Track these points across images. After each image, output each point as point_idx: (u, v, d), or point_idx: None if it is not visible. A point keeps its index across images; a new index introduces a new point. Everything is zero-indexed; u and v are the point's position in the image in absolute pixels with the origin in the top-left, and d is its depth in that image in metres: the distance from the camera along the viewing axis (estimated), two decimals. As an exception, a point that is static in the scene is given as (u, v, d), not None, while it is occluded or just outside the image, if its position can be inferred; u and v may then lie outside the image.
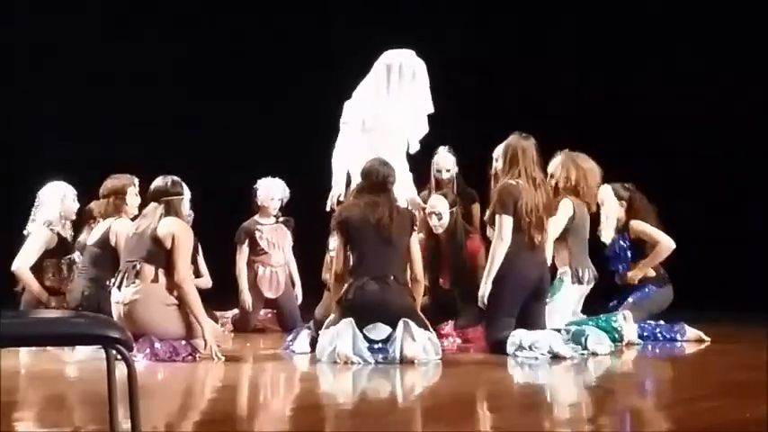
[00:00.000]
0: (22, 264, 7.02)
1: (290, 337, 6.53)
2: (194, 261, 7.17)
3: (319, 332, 6.08)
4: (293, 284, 8.18)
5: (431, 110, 7.05)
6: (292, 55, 11.33)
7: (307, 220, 8.05)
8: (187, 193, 6.25)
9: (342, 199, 6.84)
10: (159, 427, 3.99)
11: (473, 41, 10.99)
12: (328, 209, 6.85)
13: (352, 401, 4.88)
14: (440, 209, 7.08)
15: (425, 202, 7.20)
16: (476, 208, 7.70)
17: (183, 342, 5.88)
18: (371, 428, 4.07)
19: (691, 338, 7.24)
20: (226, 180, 10.11)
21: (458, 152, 7.76)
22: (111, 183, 6.93)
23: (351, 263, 6.08)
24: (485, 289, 6.27)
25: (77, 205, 7.29)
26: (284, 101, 11.34)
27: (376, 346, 5.91)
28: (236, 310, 8.02)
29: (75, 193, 7.29)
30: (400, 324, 5.82)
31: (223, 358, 5.86)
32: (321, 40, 11.32)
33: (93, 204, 7.23)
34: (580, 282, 6.86)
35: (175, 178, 6.16)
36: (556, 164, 6.94)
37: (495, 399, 4.93)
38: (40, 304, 6.93)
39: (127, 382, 2.94)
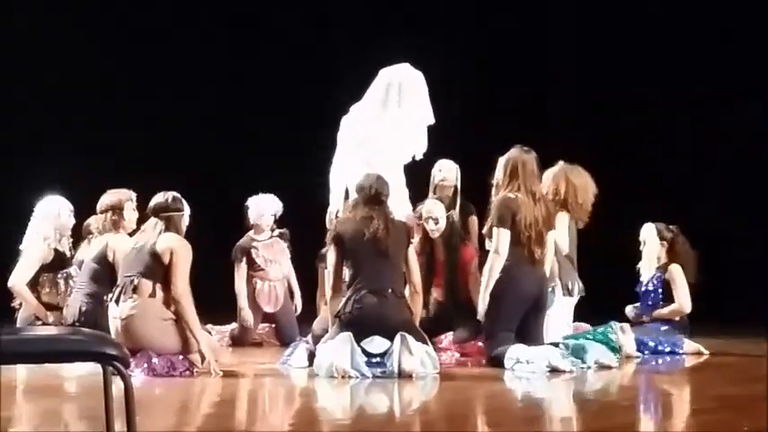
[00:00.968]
0: (19, 279, 7.01)
1: (287, 352, 6.51)
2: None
3: (317, 346, 6.07)
4: (292, 296, 8.17)
5: (431, 121, 7.05)
6: (292, 68, 11.35)
7: (305, 231, 8.03)
8: (187, 210, 6.25)
9: (340, 214, 6.85)
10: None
11: (474, 45, 11.01)
12: (328, 225, 6.84)
13: (349, 416, 4.86)
14: (436, 213, 7.10)
15: (420, 218, 7.17)
16: (473, 221, 7.67)
17: (181, 357, 5.87)
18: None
19: (690, 351, 7.24)
20: (225, 194, 10.11)
21: (457, 163, 7.74)
22: (108, 198, 6.93)
23: (347, 277, 6.08)
24: (483, 304, 6.26)
25: (73, 220, 7.28)
26: (283, 114, 11.35)
27: (374, 360, 5.90)
28: (234, 324, 8.01)
29: (72, 208, 7.28)
30: (398, 338, 5.81)
31: (221, 373, 5.85)
32: (320, 53, 11.34)
33: (90, 220, 7.22)
34: (570, 294, 6.88)
35: (176, 194, 6.17)
36: (548, 176, 6.95)
37: (494, 413, 4.91)
38: (37, 320, 6.92)
39: (124, 398, 2.93)
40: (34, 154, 10.55)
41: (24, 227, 7.21)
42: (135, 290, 5.93)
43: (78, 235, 7.35)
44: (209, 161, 11.15)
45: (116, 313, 5.95)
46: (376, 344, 5.97)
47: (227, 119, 11.40)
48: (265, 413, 5.14)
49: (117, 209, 6.87)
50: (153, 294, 5.94)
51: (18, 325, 6.93)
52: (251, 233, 8.06)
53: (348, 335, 5.83)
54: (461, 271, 7.14)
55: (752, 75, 10.21)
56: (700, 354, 7.21)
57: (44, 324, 6.83)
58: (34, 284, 7.03)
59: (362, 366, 5.76)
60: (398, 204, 6.68)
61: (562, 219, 6.84)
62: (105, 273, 6.67)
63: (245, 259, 7.95)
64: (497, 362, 6.13)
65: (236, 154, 11.18)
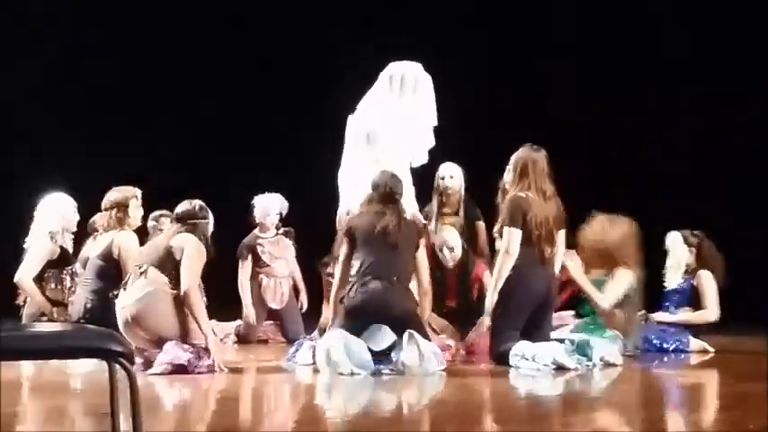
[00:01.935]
0: (25, 275, 7.02)
1: (292, 349, 6.51)
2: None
3: (317, 342, 6.09)
4: (297, 293, 8.18)
5: (435, 122, 7.03)
6: (295, 68, 11.35)
7: (311, 230, 8.03)
8: (211, 217, 6.27)
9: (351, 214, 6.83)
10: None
11: (474, 49, 11.01)
12: (338, 226, 6.79)
13: (354, 414, 4.86)
14: (452, 243, 7.10)
15: (426, 218, 7.16)
16: (480, 226, 7.61)
17: (186, 345, 5.83)
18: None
19: (695, 349, 7.24)
20: (226, 193, 10.11)
21: (461, 165, 7.72)
22: (113, 195, 6.94)
23: (355, 270, 6.08)
24: (491, 301, 6.26)
25: (77, 217, 7.29)
26: (286, 111, 11.35)
27: (380, 357, 5.90)
28: (239, 321, 8.02)
29: (75, 204, 7.30)
30: (405, 335, 5.83)
31: (226, 370, 5.85)
32: (322, 52, 11.33)
33: (96, 217, 7.23)
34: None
35: (201, 203, 6.21)
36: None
37: (499, 410, 4.91)
38: (43, 316, 6.93)
39: (129, 394, 2.93)
40: (34, 154, 10.56)
41: (26, 225, 7.22)
42: (144, 276, 5.91)
43: (83, 232, 7.37)
44: (212, 160, 11.15)
45: (123, 302, 5.91)
46: (379, 340, 5.98)
47: (226, 119, 11.40)
48: (269, 411, 5.14)
49: (122, 206, 6.88)
50: (162, 283, 5.92)
51: (24, 321, 6.96)
52: (256, 231, 8.07)
53: (340, 331, 5.84)
54: (475, 286, 7.15)
55: (752, 75, 10.20)
56: (705, 351, 7.20)
57: (50, 320, 6.85)
58: (39, 280, 7.04)
59: (367, 362, 5.76)
60: (406, 203, 6.68)
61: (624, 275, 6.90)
62: (110, 270, 6.68)
63: (250, 256, 7.97)
64: (503, 359, 6.13)
65: (238, 153, 11.18)
